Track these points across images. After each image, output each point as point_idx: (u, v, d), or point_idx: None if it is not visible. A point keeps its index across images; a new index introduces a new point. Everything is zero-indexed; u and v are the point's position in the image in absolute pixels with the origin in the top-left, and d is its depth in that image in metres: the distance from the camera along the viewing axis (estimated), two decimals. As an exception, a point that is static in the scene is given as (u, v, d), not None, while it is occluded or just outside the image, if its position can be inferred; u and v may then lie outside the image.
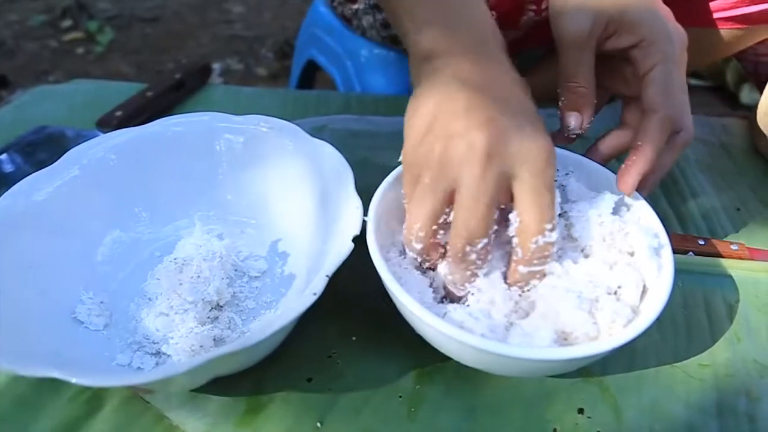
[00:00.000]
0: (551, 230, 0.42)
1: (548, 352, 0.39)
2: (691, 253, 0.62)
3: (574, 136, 0.55)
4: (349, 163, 0.54)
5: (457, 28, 0.49)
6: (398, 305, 0.44)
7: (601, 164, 0.55)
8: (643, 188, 0.54)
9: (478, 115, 0.42)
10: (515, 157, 0.41)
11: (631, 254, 0.47)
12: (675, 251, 0.61)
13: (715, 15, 0.75)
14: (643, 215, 0.50)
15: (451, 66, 0.46)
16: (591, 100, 0.53)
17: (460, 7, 0.50)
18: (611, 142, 0.57)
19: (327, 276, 0.43)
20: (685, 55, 0.54)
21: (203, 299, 0.51)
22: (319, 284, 0.43)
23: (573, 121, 0.53)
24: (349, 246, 0.45)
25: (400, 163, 0.48)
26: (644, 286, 0.46)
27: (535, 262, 0.43)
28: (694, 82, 1.65)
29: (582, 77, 0.53)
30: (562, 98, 0.54)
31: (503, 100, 0.43)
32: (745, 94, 1.62)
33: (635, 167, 0.51)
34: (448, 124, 0.42)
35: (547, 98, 0.90)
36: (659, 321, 0.54)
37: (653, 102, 0.52)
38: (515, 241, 0.43)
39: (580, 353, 0.39)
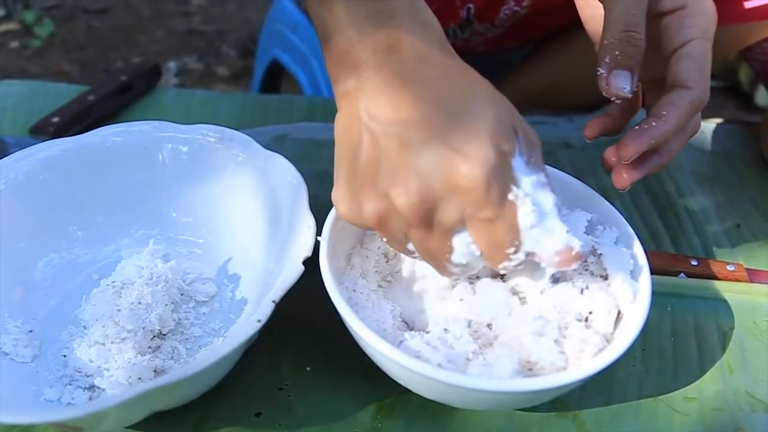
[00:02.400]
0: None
1: (506, 384, 0.41)
2: (682, 274, 0.65)
3: (619, 101, 0.54)
4: (311, 176, 0.56)
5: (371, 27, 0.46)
6: (352, 333, 0.46)
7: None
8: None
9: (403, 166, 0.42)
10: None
11: (605, 278, 0.49)
12: (665, 273, 0.64)
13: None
14: (620, 235, 0.52)
15: (358, 91, 0.44)
16: (642, 58, 0.53)
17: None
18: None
19: (273, 302, 0.45)
20: None
21: (144, 327, 0.53)
22: (264, 311, 0.45)
23: (626, 80, 0.52)
24: (299, 269, 0.48)
25: None
26: (619, 313, 0.48)
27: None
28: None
29: (642, 27, 0.52)
30: (616, 53, 0.51)
31: (424, 126, 0.42)
32: (762, 96, 1.66)
33: (648, 133, 0.52)
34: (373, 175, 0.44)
35: (530, 103, 0.94)
36: (643, 350, 0.57)
37: (688, 78, 0.52)
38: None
39: (541, 385, 0.41)
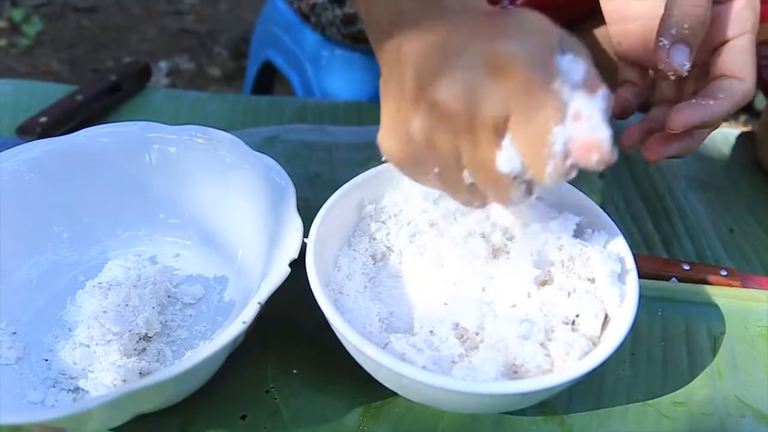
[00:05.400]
0: None
1: (490, 386, 0.42)
2: (674, 279, 0.65)
3: (673, 77, 0.54)
4: (302, 178, 0.57)
5: None
6: (338, 335, 0.47)
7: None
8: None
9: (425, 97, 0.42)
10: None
11: (592, 281, 0.50)
12: (657, 277, 0.65)
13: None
14: (609, 238, 0.53)
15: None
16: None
17: None
18: (656, 116, 0.58)
19: (259, 303, 0.46)
20: None
21: (130, 330, 0.54)
22: (249, 312, 0.45)
23: (687, 57, 0.52)
24: (285, 271, 0.48)
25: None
26: (606, 316, 0.49)
27: None
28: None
29: (710, 6, 0.52)
30: (685, 26, 0.51)
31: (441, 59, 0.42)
32: (761, 101, 1.68)
33: (703, 109, 0.52)
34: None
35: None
36: (633, 355, 0.58)
37: (743, 71, 0.53)
38: None
39: (525, 387, 0.42)
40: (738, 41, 0.54)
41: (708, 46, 0.55)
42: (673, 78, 0.54)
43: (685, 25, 0.51)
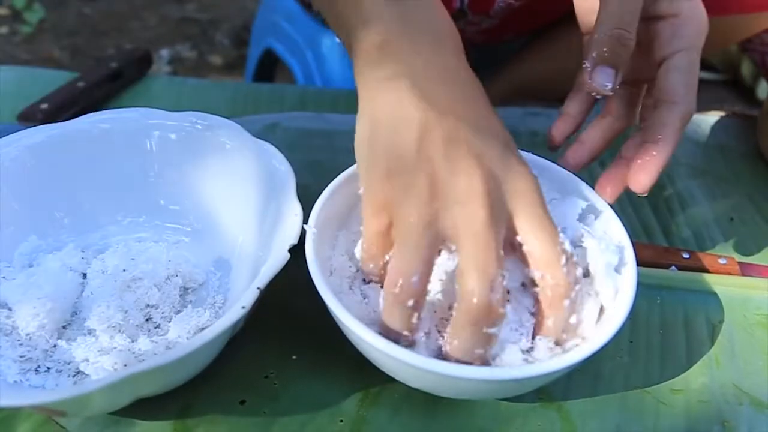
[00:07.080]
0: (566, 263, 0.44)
1: (485, 372, 0.42)
2: (673, 267, 0.66)
3: (599, 98, 0.54)
4: (302, 165, 0.57)
5: (412, 22, 0.50)
6: (336, 321, 0.47)
7: (584, 164, 0.59)
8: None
9: (464, 150, 0.44)
10: (510, 193, 0.44)
11: (590, 268, 0.50)
12: (656, 266, 0.65)
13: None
14: (609, 226, 0.53)
15: (409, 77, 0.46)
16: (629, 58, 0.53)
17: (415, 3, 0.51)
18: (597, 135, 0.59)
19: (258, 288, 0.46)
20: None
21: (130, 314, 0.54)
22: (248, 297, 0.46)
23: (610, 77, 0.52)
24: (284, 257, 0.49)
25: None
26: (602, 307, 0.49)
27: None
28: (705, 75, 1.70)
29: (634, 27, 0.52)
30: (604, 49, 0.52)
31: (477, 125, 0.46)
32: (763, 89, 1.67)
33: (655, 163, 0.53)
34: (432, 155, 0.44)
35: (526, 94, 0.95)
36: (631, 342, 0.58)
37: (675, 93, 0.53)
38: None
39: (520, 374, 0.42)
40: (672, 61, 0.53)
41: (653, 63, 0.55)
42: (598, 98, 0.54)
43: (605, 49, 0.52)
